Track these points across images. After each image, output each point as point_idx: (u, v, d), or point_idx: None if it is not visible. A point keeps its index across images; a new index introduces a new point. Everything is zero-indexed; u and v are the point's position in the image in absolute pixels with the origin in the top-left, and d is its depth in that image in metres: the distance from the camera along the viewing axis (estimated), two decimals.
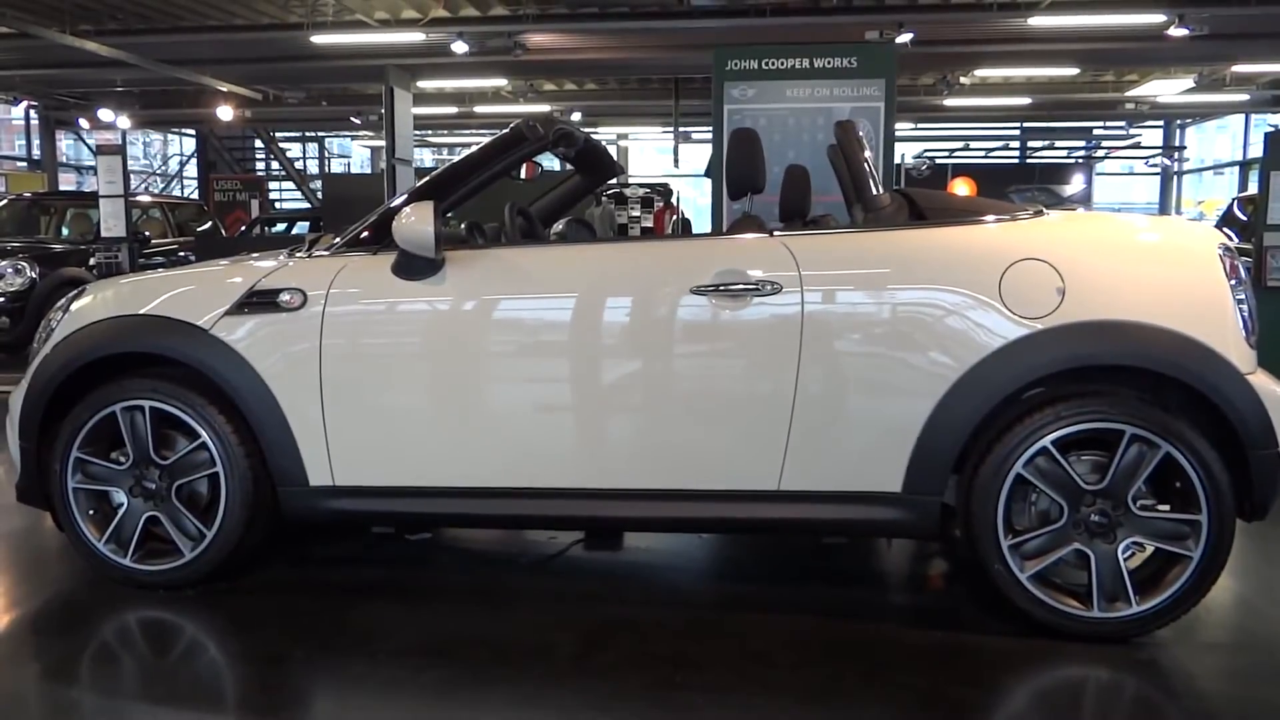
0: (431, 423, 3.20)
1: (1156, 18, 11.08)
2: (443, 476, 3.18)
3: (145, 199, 11.98)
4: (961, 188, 15.45)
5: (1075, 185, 19.03)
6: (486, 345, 3.17)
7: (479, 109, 18.27)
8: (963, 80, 16.31)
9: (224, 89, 16.00)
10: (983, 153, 25.82)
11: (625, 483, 3.11)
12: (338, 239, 3.34)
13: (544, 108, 17.81)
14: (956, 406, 2.91)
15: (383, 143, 14.76)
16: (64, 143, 23.25)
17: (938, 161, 20.49)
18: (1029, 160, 24.18)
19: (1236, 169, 21.63)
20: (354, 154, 29.65)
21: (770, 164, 3.52)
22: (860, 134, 3.50)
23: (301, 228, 14.46)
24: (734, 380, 3.06)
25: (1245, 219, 9.63)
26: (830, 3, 11.42)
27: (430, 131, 23.15)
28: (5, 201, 11.37)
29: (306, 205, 21.13)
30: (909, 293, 2.98)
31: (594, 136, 4.13)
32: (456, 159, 3.49)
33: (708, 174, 8.51)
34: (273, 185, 24.33)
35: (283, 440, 3.18)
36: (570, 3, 11.76)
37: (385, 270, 3.17)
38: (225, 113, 17.21)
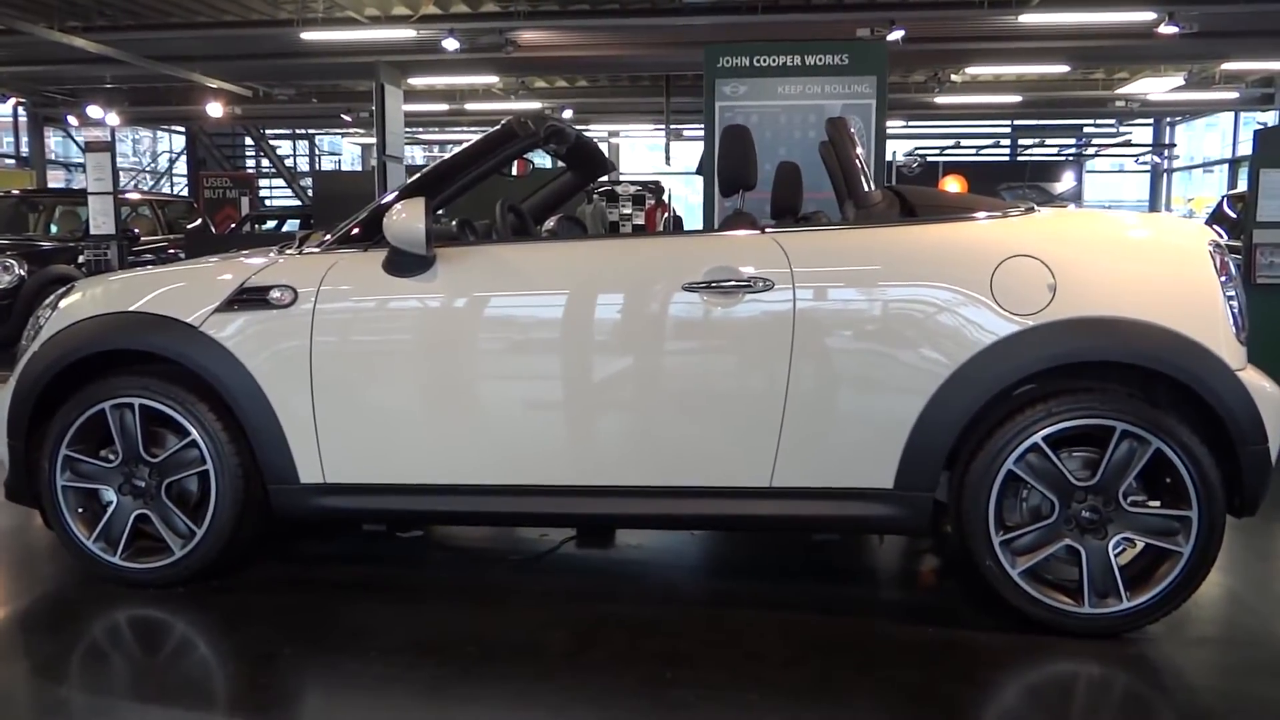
0: (422, 420, 3.19)
1: (1146, 15, 11.11)
2: (434, 474, 3.18)
3: (134, 196, 11.93)
4: (953, 185, 15.50)
5: (1066, 182, 19.04)
6: (478, 342, 3.16)
7: (470, 106, 18.21)
8: (954, 78, 16.33)
9: (214, 86, 15.92)
10: (974, 150, 25.86)
11: (617, 480, 3.11)
12: (328, 236, 3.33)
13: (535, 105, 17.78)
14: (948, 403, 2.91)
15: (373, 140, 14.71)
16: (52, 139, 23.12)
17: (929, 159, 20.49)
18: (1020, 157, 24.22)
19: (1226, 166, 21.68)
20: (344, 151, 29.57)
21: (762, 161, 3.51)
22: (852, 130, 3.50)
23: (292, 225, 14.39)
24: (726, 377, 3.06)
25: (1236, 216, 9.66)
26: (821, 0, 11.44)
27: (421, 128, 23.09)
28: None
29: (297, 202, 21.05)
30: (900, 289, 2.98)
31: (585, 133, 4.12)
32: (448, 156, 3.48)
33: (699, 171, 8.49)
34: (263, 182, 24.22)
35: (273, 438, 3.17)
36: None
37: (376, 267, 3.16)
38: (215, 110, 17.14)
